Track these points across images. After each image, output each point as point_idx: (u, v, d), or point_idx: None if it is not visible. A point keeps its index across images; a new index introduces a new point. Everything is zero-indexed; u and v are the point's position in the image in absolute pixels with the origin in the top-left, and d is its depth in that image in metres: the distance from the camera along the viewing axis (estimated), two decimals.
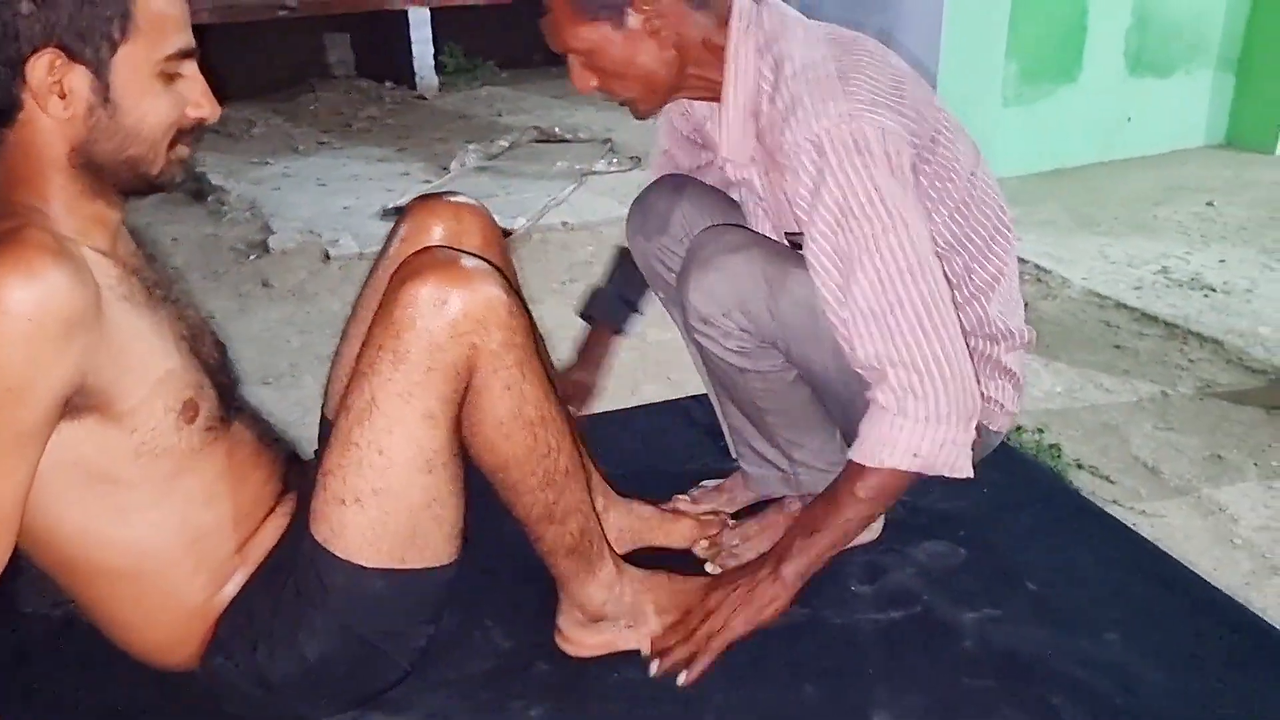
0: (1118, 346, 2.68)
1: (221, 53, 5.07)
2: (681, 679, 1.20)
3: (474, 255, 1.06)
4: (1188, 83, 4.30)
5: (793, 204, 1.23)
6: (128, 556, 1.02)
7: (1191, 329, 2.75)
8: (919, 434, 1.18)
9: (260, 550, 1.10)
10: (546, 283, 3.07)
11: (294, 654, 1.06)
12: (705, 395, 1.90)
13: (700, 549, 1.44)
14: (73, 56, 0.92)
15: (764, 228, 1.41)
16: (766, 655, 1.20)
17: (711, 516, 1.48)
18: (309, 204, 3.37)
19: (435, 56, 5.02)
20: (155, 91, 0.95)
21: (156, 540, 1.02)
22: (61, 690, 1.18)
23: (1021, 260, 3.19)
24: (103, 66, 0.93)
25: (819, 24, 1.34)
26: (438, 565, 1.09)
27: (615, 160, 3.77)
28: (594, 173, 3.66)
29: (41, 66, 0.90)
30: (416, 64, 4.97)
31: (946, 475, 1.21)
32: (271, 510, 1.13)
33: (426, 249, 1.07)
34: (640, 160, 3.80)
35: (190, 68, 0.98)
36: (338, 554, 1.04)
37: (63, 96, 0.92)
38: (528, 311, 1.09)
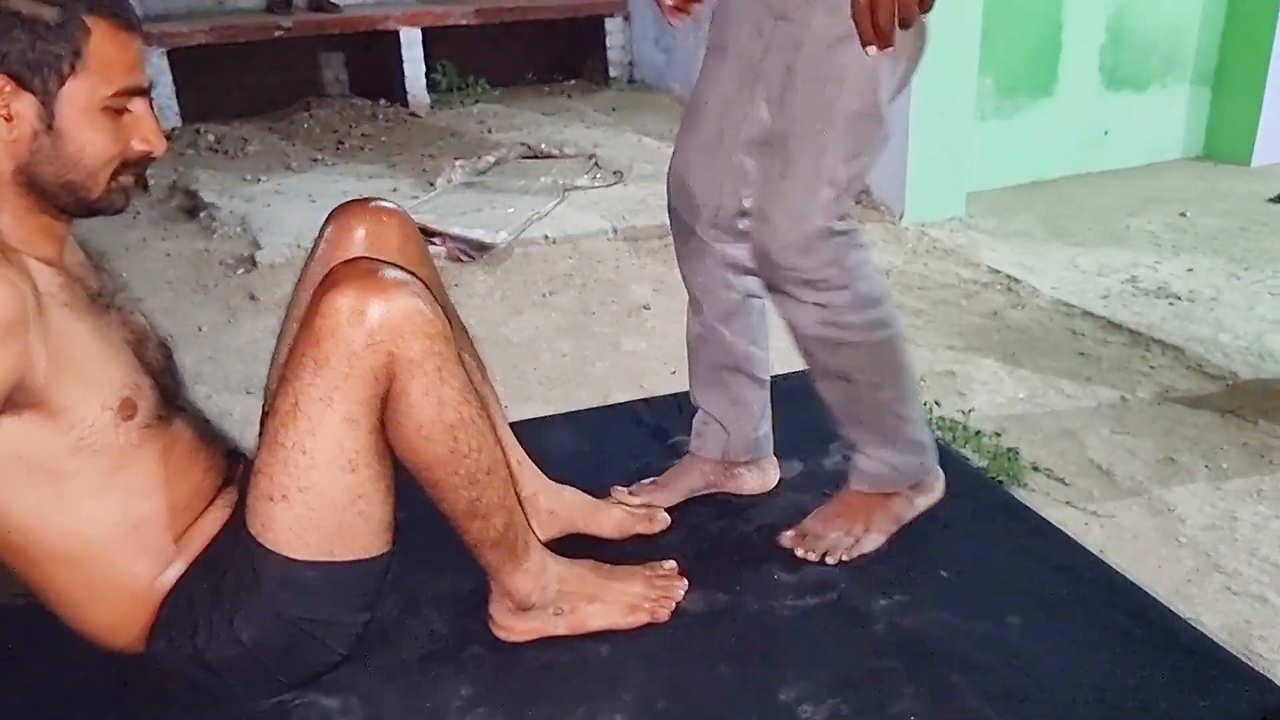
0: (1082, 354, 2.75)
1: (219, 73, 5.19)
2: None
3: (395, 266, 1.13)
4: (1164, 96, 4.38)
5: None
6: (71, 543, 1.09)
7: (1154, 336, 2.81)
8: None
9: (200, 540, 1.17)
10: (528, 294, 3.15)
11: (230, 638, 1.13)
12: (655, 399, 1.96)
13: (787, 539, 1.48)
14: (21, 84, 1.00)
15: None
16: (686, 639, 1.27)
17: (644, 509, 1.53)
18: (298, 220, 3.46)
19: (427, 75, 5.12)
20: (98, 125, 1.03)
21: (97, 529, 1.10)
22: (25, 675, 1.25)
23: (994, 270, 3.27)
24: (49, 97, 1.01)
25: None
26: (367, 557, 1.16)
27: (599, 175, 3.85)
28: (576, 187, 3.74)
29: None
30: (409, 82, 5.07)
31: None
32: (211, 503, 1.20)
33: (351, 260, 1.14)
34: (622, 175, 3.88)
35: (139, 104, 1.06)
36: (269, 546, 1.11)
37: (9, 119, 1.00)
38: (446, 318, 1.16)
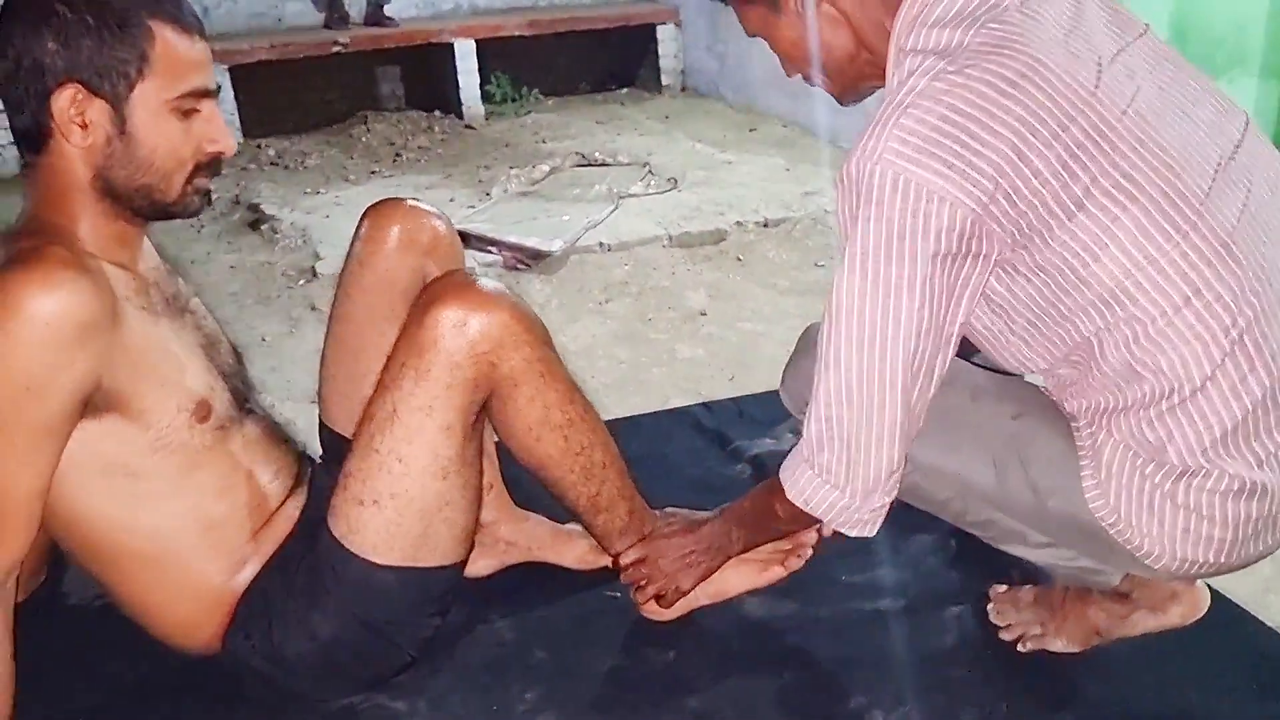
0: None
1: (279, 89, 5.28)
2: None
3: (491, 280, 1.16)
4: (1231, 91, 4.27)
5: None
6: (148, 542, 1.12)
7: None
8: (816, 488, 1.17)
9: (273, 540, 1.20)
10: (583, 302, 3.16)
11: (308, 634, 1.15)
12: (715, 403, 1.95)
13: (996, 591, 1.41)
14: (93, 91, 1.03)
15: None
16: (751, 645, 1.27)
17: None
18: None
19: (482, 86, 5.17)
20: (169, 127, 1.06)
21: (173, 527, 1.13)
22: (101, 675, 1.28)
23: None
24: (120, 102, 1.04)
25: (1011, 11, 1.08)
26: (447, 564, 1.18)
27: (652, 182, 3.85)
28: (631, 195, 3.75)
29: (64, 99, 1.02)
30: (463, 94, 5.13)
31: (843, 532, 1.21)
32: (283, 503, 1.23)
33: (448, 274, 1.17)
34: (676, 181, 3.88)
35: (208, 105, 1.09)
36: (353, 550, 1.14)
37: (84, 127, 1.04)
38: (542, 323, 1.18)
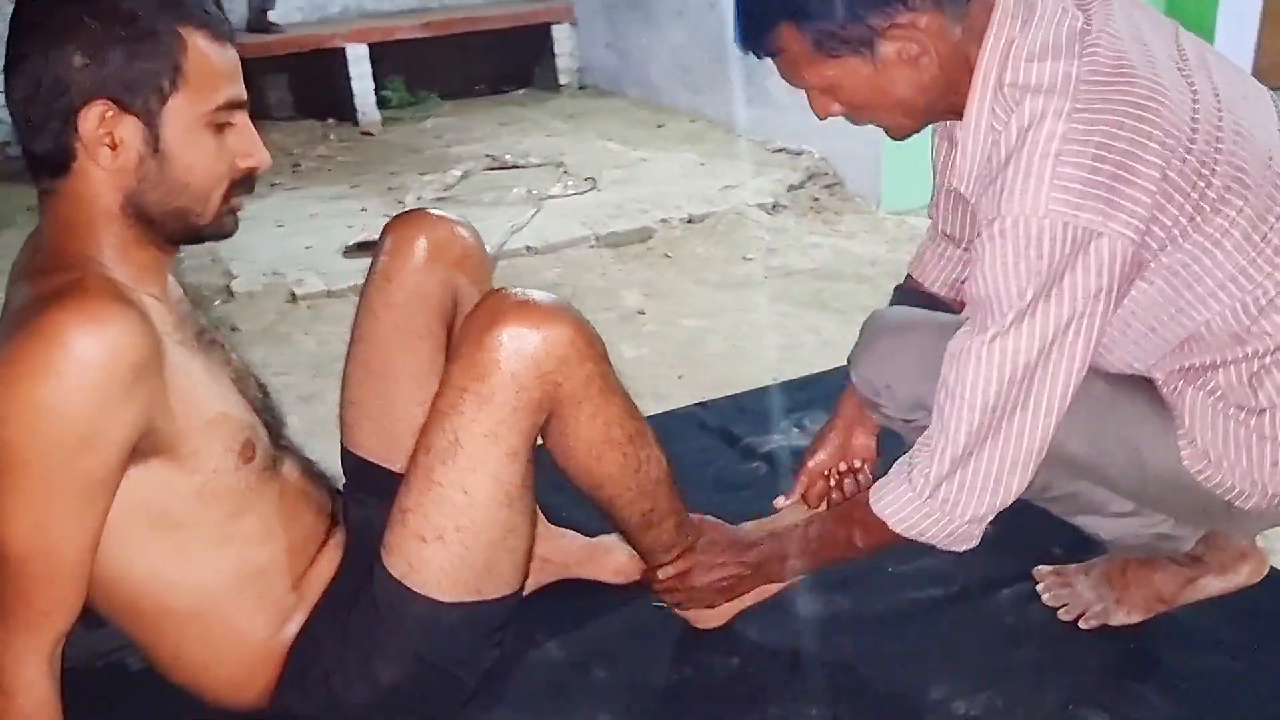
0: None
1: None
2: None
3: (547, 294, 1.11)
4: None
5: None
6: (191, 596, 1.03)
7: None
8: (931, 522, 1.18)
9: (318, 585, 1.12)
10: None
11: (369, 682, 1.08)
12: (711, 402, 1.93)
13: (1042, 572, 1.42)
14: (123, 108, 0.93)
15: None
16: (819, 644, 1.24)
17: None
18: (269, 246, 3.36)
19: (376, 92, 5.02)
20: (204, 143, 0.97)
21: (218, 580, 1.04)
22: None
23: None
24: (152, 117, 0.94)
25: (1095, 34, 1.10)
26: (510, 593, 1.12)
27: (570, 183, 3.80)
28: (551, 196, 3.69)
29: (93, 118, 0.92)
30: (358, 100, 4.98)
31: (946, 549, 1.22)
32: (323, 545, 1.14)
33: (500, 290, 1.10)
34: (594, 181, 3.84)
35: (240, 118, 1.01)
36: (415, 589, 1.07)
37: (113, 147, 0.94)
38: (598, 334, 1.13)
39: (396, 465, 1.21)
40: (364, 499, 1.23)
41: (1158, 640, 1.24)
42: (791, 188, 3.72)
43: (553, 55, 5.45)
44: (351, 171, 4.30)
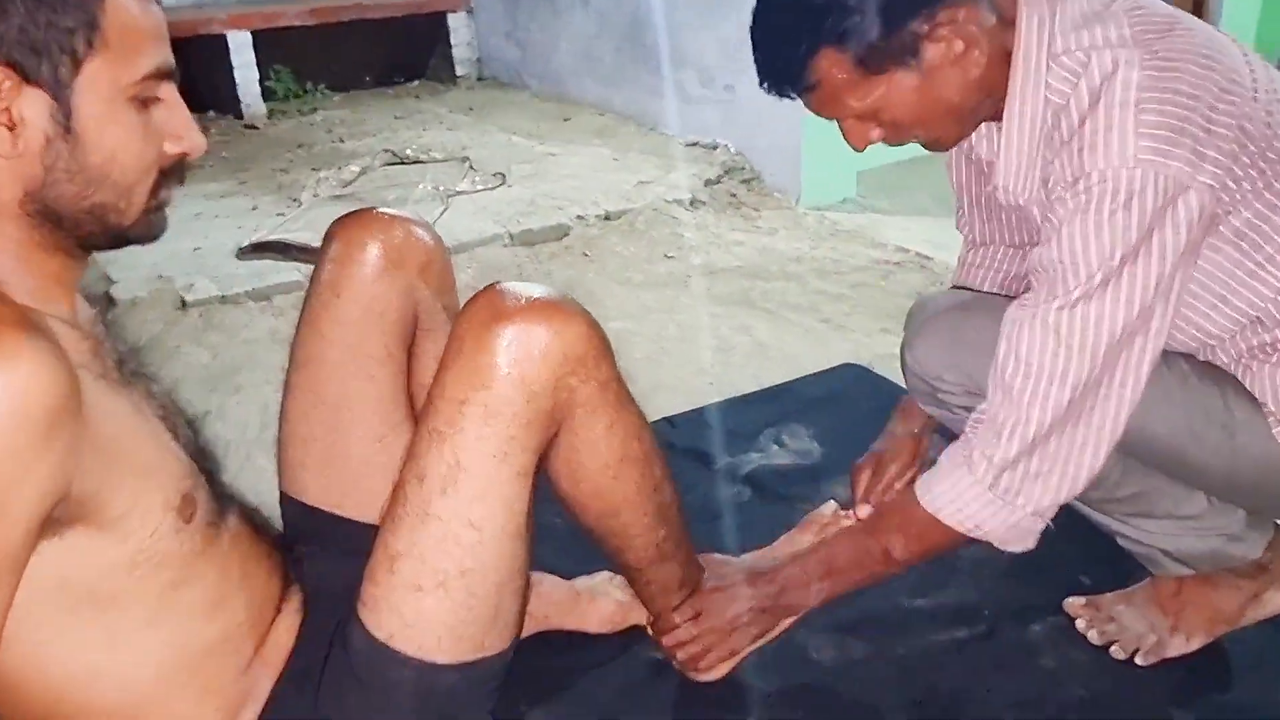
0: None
1: None
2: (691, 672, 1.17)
3: (545, 285, 0.95)
4: None
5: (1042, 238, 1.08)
6: (123, 690, 0.83)
7: None
8: (993, 511, 1.08)
9: (276, 659, 0.93)
10: None
11: None
12: (677, 417, 1.79)
13: (1074, 607, 1.30)
14: (25, 77, 0.73)
15: None
16: (843, 698, 1.11)
17: (633, 599, 1.28)
18: (153, 248, 3.05)
19: (261, 82, 4.72)
20: (128, 121, 0.78)
21: (155, 667, 0.84)
22: None
23: (903, 249, 3.23)
24: (63, 89, 0.75)
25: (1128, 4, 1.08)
26: (510, 644, 0.95)
27: (478, 179, 3.61)
28: (459, 193, 3.50)
29: None
30: (241, 91, 4.66)
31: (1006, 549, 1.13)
32: (279, 610, 0.95)
33: (493, 285, 0.93)
34: (503, 177, 3.66)
35: (169, 91, 0.82)
36: (408, 653, 0.89)
37: (11, 128, 0.74)
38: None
39: (351, 511, 1.04)
40: (313, 552, 1.05)
41: (1224, 668, 1.13)
42: (709, 182, 3.61)
43: (449, 45, 5.21)
44: (237, 167, 4.02)
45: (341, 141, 4.29)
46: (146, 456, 0.81)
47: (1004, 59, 1.09)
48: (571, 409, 0.93)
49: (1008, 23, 1.08)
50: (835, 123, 1.14)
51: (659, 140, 4.00)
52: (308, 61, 4.97)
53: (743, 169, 3.68)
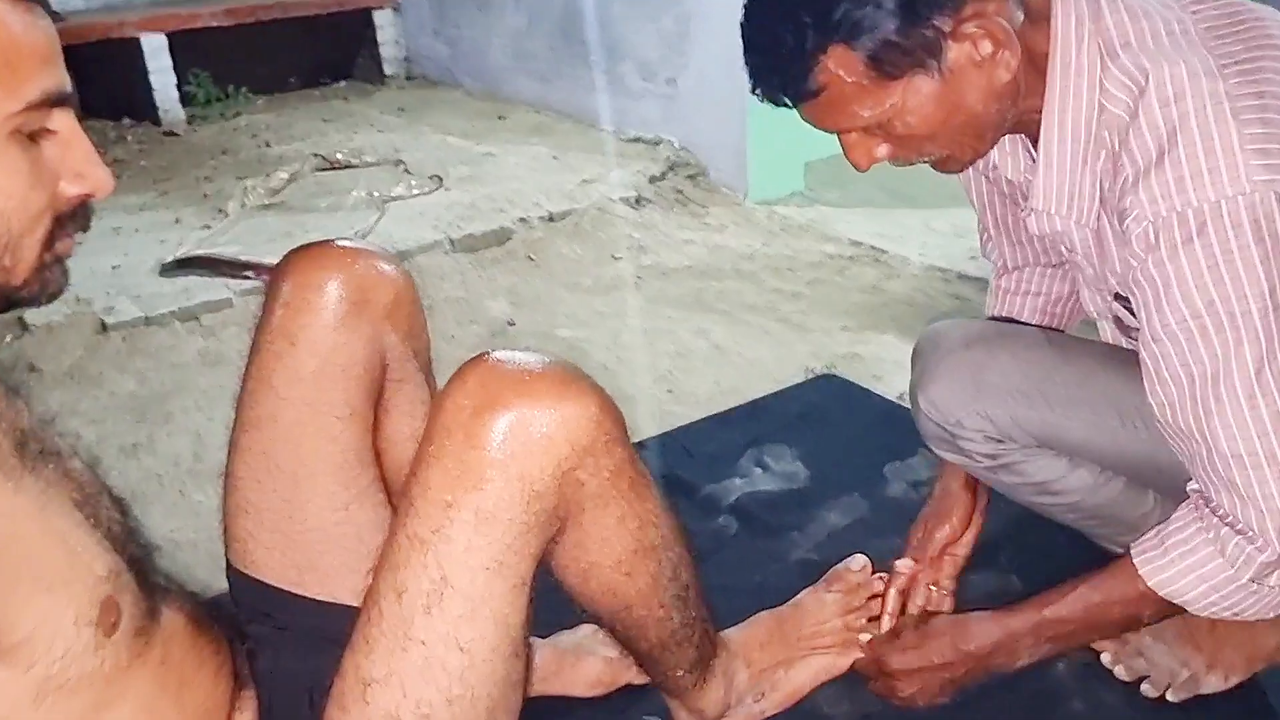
0: (975, 319, 2.68)
1: None
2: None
3: (541, 355, 0.82)
4: None
5: (1132, 285, 0.98)
6: None
7: None
8: (1256, 596, 0.99)
9: None
10: None
11: None
12: (650, 440, 1.69)
13: (1121, 670, 1.22)
14: None
15: (1082, 287, 1.19)
16: None
17: (623, 656, 1.14)
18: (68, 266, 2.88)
19: (179, 87, 4.50)
20: (9, 161, 0.65)
21: None
22: None
23: (856, 242, 3.17)
24: None
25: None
26: None
27: (414, 183, 3.47)
28: (395, 198, 3.35)
29: None
30: (158, 96, 4.44)
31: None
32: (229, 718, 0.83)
33: (480, 358, 0.81)
34: (441, 179, 3.52)
35: (65, 121, 0.69)
36: None
37: None
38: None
39: (312, 589, 0.92)
40: (267, 636, 0.92)
41: (1264, 706, 1.06)
42: (653, 179, 3.51)
43: (375, 44, 5.04)
44: (157, 178, 3.82)
45: (268, 147, 4.11)
46: (55, 564, 0.69)
47: (1032, 62, 0.97)
48: (580, 504, 0.81)
49: (1038, 20, 0.96)
50: (836, 137, 1.02)
51: (599, 137, 3.89)
52: (228, 64, 4.76)
53: (688, 165, 3.58)
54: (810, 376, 2.32)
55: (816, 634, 1.13)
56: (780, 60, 0.95)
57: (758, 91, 1.01)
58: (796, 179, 3.56)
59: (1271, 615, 1.04)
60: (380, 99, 4.81)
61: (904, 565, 1.25)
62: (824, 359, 2.45)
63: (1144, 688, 1.18)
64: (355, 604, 0.82)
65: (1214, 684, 1.19)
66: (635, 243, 3.21)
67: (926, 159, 1.04)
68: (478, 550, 0.76)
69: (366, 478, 0.98)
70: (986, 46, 0.93)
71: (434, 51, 4.90)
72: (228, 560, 1.03)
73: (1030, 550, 1.33)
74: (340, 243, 1.03)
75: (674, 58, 3.53)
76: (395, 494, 1.03)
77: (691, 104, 3.54)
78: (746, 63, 1.00)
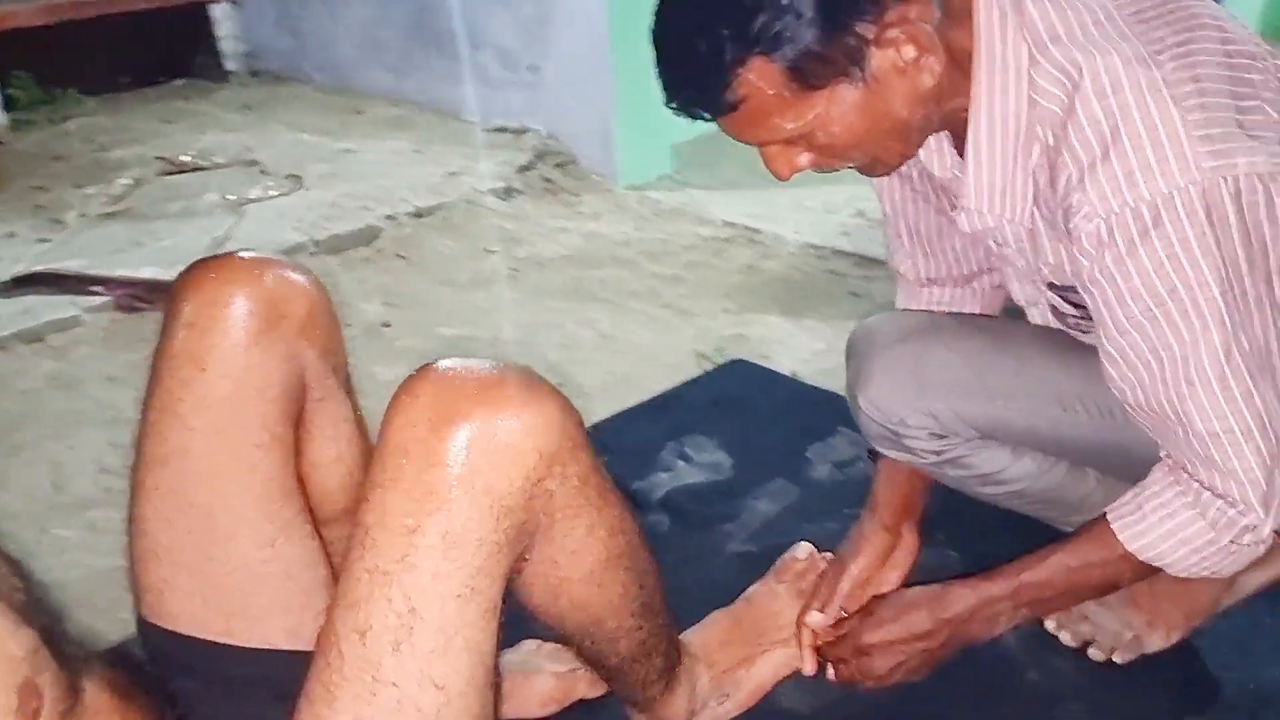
0: (854, 294, 2.73)
1: None
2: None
3: (485, 359, 0.76)
4: None
5: (1087, 282, 0.97)
6: None
7: None
8: (1233, 555, 1.02)
9: None
10: None
11: None
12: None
13: (1066, 636, 1.23)
14: None
15: (1011, 279, 1.18)
16: None
17: (573, 671, 1.15)
18: None
19: (1, 91, 4.19)
20: None
21: None
22: None
23: (730, 223, 3.19)
24: None
25: None
26: None
27: (271, 183, 3.32)
28: (252, 200, 3.20)
29: None
30: None
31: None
32: None
33: (426, 370, 0.74)
34: (299, 179, 3.37)
35: None
36: None
37: None
38: None
39: (241, 636, 0.84)
40: (195, 692, 0.84)
41: (1210, 660, 1.11)
42: (521, 169, 3.45)
43: (213, 39, 4.78)
44: None
45: (104, 151, 3.86)
46: None
47: (955, 61, 0.95)
48: (550, 516, 0.76)
49: (959, 17, 0.94)
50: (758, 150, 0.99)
51: (462, 128, 3.80)
52: (53, 64, 4.44)
53: (556, 153, 3.54)
54: (701, 360, 2.32)
55: (774, 627, 1.12)
56: (696, 73, 0.92)
57: (672, 104, 0.96)
58: (664, 162, 3.55)
59: (1241, 569, 1.08)
60: (223, 97, 4.57)
61: (814, 620, 1.21)
62: (711, 342, 2.45)
63: (1091, 651, 1.22)
64: (291, 647, 0.76)
65: (1157, 642, 1.23)
66: (508, 235, 3.14)
67: (851, 165, 1.03)
68: (446, 577, 0.71)
69: (292, 508, 0.91)
70: (909, 51, 0.91)
71: (278, 45, 4.69)
72: (138, 614, 0.94)
73: (966, 526, 1.36)
74: (243, 254, 0.95)
75: (535, 45, 3.47)
76: (323, 523, 0.97)
77: (555, 91, 3.49)
78: (659, 74, 0.96)
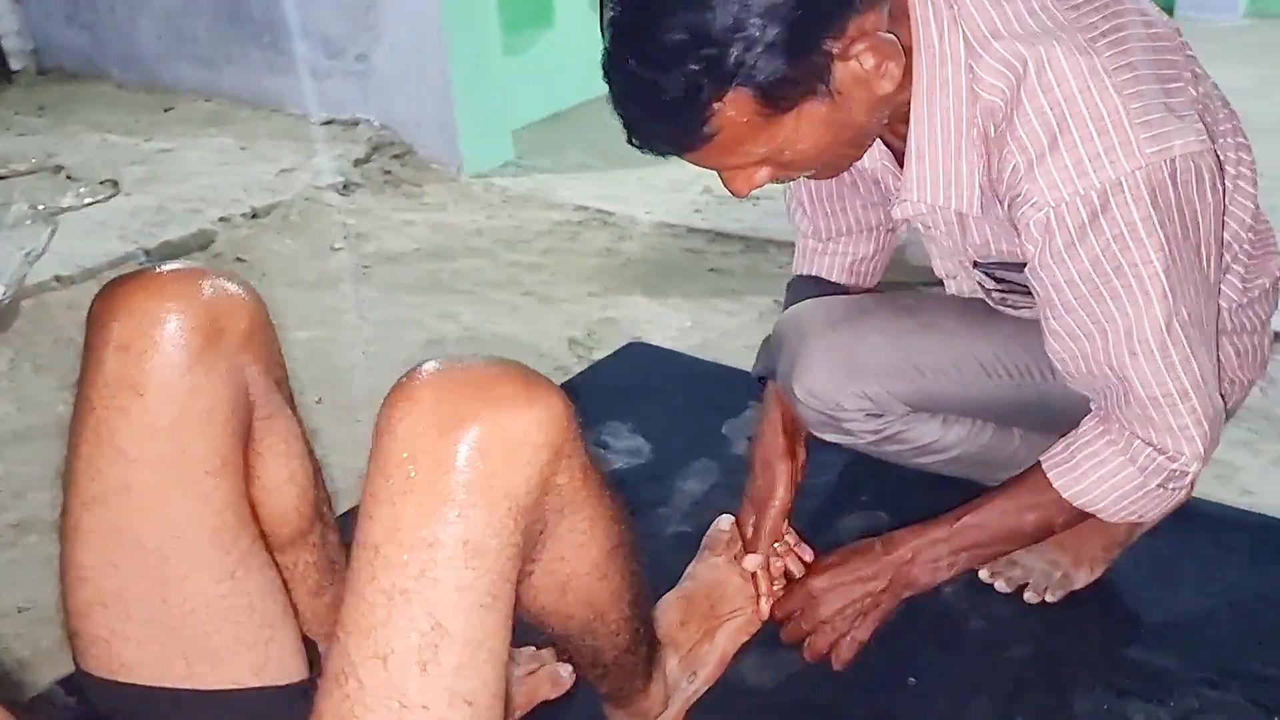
0: (713, 270, 2.76)
1: None
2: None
3: (475, 356, 0.71)
4: None
5: (1036, 266, 0.99)
6: None
7: (762, 236, 2.91)
8: (1166, 501, 1.09)
9: None
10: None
11: None
12: None
13: (1001, 584, 1.30)
14: None
15: (934, 255, 1.21)
16: (797, 708, 1.02)
17: (532, 674, 1.14)
18: None
19: None
20: None
21: None
22: None
23: (581, 207, 3.17)
24: None
25: None
26: None
27: (84, 189, 3.07)
28: (66, 209, 2.95)
29: None
30: None
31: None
32: None
33: (415, 373, 0.68)
34: (116, 184, 3.14)
35: None
36: None
37: None
38: None
39: (203, 679, 0.77)
40: None
41: (1131, 590, 1.19)
42: (358, 162, 3.33)
43: None
44: None
45: None
46: None
47: (906, 67, 0.97)
48: (559, 511, 0.73)
49: (898, 17, 0.94)
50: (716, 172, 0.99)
51: (288, 122, 3.62)
52: None
53: (393, 144, 3.42)
54: (574, 347, 2.30)
55: (724, 598, 1.12)
56: (668, 111, 0.88)
57: (634, 141, 0.94)
58: (507, 149, 3.49)
59: (1164, 513, 1.17)
60: (11, 98, 4.20)
61: (751, 563, 1.23)
62: (581, 327, 2.43)
63: (1026, 595, 1.28)
64: (259, 684, 0.70)
65: (1083, 578, 1.31)
66: (352, 231, 3.03)
67: (806, 174, 1.04)
68: (469, 588, 0.66)
69: (248, 536, 0.83)
70: (870, 60, 0.91)
71: (69, 40, 4.34)
72: (81, 669, 0.84)
73: (891, 485, 1.40)
74: (169, 267, 0.86)
75: (361, 33, 3.34)
76: (279, 549, 0.89)
77: (387, 80, 3.37)
78: (619, 114, 0.92)
